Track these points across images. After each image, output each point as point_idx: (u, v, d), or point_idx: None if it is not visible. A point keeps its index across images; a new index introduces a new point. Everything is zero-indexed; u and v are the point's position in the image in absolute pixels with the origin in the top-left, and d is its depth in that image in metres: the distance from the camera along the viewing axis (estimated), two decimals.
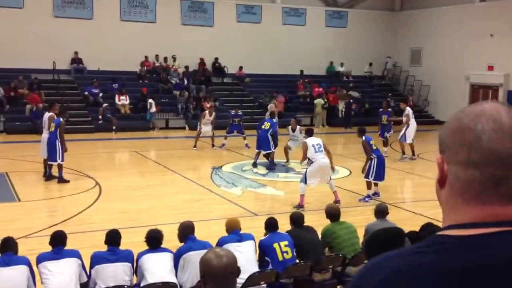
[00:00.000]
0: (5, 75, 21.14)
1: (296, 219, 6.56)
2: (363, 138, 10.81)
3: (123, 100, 22.04)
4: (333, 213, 6.75)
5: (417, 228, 5.10)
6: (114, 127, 20.76)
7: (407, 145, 15.73)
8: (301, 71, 26.83)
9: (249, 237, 6.19)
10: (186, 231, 5.91)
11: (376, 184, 10.94)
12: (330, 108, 24.96)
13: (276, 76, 26.41)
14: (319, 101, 24.44)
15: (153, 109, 21.66)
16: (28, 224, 8.74)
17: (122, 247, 5.68)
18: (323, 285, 6.15)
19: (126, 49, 23.48)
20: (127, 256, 5.56)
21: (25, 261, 5.28)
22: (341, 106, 25.09)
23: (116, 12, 24.15)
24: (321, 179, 10.31)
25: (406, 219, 9.01)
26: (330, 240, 6.55)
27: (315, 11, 28.08)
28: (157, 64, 24.91)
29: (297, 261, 6.15)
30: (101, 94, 22.10)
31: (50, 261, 5.28)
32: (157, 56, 24.85)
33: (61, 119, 11.86)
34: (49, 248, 5.48)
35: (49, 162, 11.82)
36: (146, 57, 24.49)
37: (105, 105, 21.34)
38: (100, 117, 21.16)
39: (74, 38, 22.86)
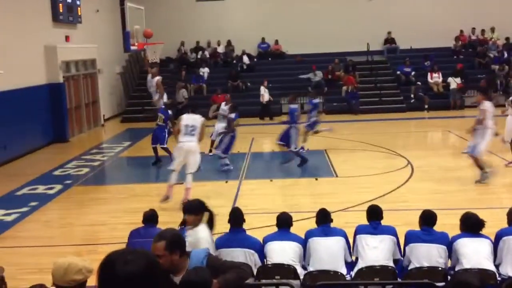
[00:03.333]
0: (324, 59, 22.87)
1: None
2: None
3: (435, 78, 21.45)
4: None
5: None
6: (426, 106, 20.49)
7: None
8: None
9: None
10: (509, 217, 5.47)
11: None
12: None
13: None
14: None
15: (453, 85, 20.61)
16: (345, 198, 9.32)
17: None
18: None
19: (439, 25, 22.72)
20: (442, 238, 5.39)
21: (342, 233, 5.64)
22: None
23: None
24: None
25: None
26: None
27: None
28: (473, 37, 23.45)
29: None
30: (413, 73, 21.97)
31: (368, 235, 5.51)
32: (473, 29, 23.36)
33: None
34: (362, 222, 5.73)
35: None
36: (461, 31, 23.29)
37: (417, 83, 21.23)
38: (412, 96, 21.11)
39: (387, 18, 23.20)
